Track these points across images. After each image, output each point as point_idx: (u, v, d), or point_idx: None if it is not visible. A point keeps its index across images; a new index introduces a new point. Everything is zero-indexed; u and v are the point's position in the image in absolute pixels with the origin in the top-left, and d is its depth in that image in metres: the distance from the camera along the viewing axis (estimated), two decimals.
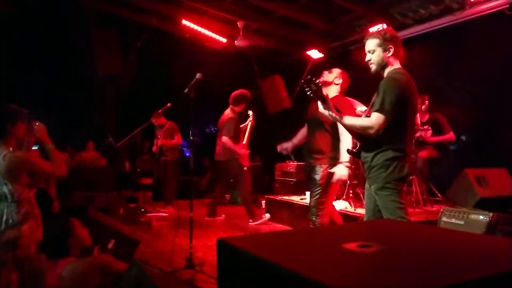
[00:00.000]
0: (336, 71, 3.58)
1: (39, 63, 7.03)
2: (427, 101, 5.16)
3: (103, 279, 2.18)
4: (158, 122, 6.48)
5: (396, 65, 2.61)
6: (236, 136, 5.41)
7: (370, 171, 2.58)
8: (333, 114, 2.54)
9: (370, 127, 2.48)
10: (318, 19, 6.98)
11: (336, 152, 3.43)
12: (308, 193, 5.62)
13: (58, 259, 2.24)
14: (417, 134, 5.01)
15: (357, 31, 7.01)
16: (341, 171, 3.39)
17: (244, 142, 5.63)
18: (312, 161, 3.55)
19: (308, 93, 2.56)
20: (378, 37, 2.58)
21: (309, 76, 2.57)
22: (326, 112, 2.56)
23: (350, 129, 2.70)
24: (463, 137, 5.94)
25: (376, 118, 2.46)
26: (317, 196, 3.49)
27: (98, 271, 2.18)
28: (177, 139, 6.49)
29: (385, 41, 2.56)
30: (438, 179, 5.17)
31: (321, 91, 2.54)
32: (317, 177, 3.48)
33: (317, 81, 2.53)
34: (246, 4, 6.56)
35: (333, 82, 3.53)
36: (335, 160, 3.44)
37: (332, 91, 3.48)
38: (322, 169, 3.46)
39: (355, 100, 3.98)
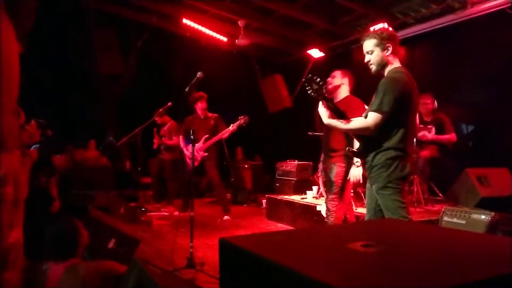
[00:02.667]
0: (338, 73, 3.65)
1: (40, 62, 7.01)
2: (435, 101, 5.17)
3: (104, 284, 2.15)
4: (161, 120, 6.56)
5: (396, 63, 2.58)
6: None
7: (371, 170, 2.57)
8: (331, 121, 2.57)
9: (367, 128, 2.47)
10: (319, 19, 6.96)
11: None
12: (309, 192, 5.66)
13: (64, 259, 2.19)
14: (420, 134, 5.01)
15: (358, 30, 7.00)
16: (354, 171, 3.45)
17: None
18: (329, 160, 3.58)
19: (309, 92, 2.55)
20: (375, 37, 2.55)
21: (310, 75, 2.54)
22: (326, 121, 2.60)
23: (349, 132, 2.71)
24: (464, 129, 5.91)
25: (373, 118, 2.45)
26: (332, 195, 3.50)
27: (99, 276, 2.14)
28: (175, 139, 6.51)
29: (383, 40, 2.53)
30: (439, 178, 5.16)
31: (322, 90, 2.52)
32: (332, 175, 3.49)
33: (318, 79, 2.51)
34: (247, 3, 6.55)
35: (341, 83, 3.60)
36: (349, 158, 3.45)
37: (343, 92, 3.59)
38: (336, 167, 3.48)
39: None
